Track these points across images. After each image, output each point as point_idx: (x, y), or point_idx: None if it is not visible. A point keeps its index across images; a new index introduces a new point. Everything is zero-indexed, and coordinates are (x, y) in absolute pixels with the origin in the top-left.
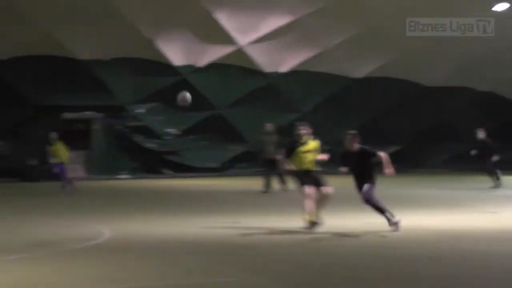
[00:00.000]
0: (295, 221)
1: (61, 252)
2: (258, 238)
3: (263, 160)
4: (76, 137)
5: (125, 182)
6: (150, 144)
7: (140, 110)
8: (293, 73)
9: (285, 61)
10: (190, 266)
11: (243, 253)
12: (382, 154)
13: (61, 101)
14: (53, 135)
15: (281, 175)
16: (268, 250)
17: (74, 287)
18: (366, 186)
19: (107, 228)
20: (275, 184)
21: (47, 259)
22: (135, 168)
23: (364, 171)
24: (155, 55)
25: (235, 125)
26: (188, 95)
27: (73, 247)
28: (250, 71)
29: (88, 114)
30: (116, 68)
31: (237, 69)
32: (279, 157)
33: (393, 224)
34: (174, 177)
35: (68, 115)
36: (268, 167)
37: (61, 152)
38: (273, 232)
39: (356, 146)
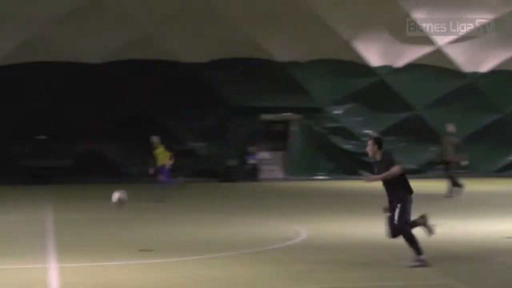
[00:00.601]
0: (498, 225)
1: (258, 252)
2: (462, 241)
3: (440, 162)
4: (274, 138)
5: (322, 182)
6: (348, 145)
7: (338, 111)
8: (494, 73)
9: (485, 61)
10: (390, 268)
11: (445, 257)
12: (395, 169)
13: (260, 103)
14: (154, 138)
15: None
16: (473, 255)
17: (270, 286)
18: (397, 213)
19: (305, 228)
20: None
21: (245, 258)
22: (332, 169)
23: (389, 184)
24: (352, 56)
25: (433, 126)
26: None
27: (270, 246)
28: (449, 72)
29: (286, 115)
30: (313, 69)
31: (435, 69)
32: (464, 163)
33: (419, 260)
34: None
35: (266, 117)
36: (447, 169)
37: (162, 156)
38: (478, 236)
39: (379, 154)
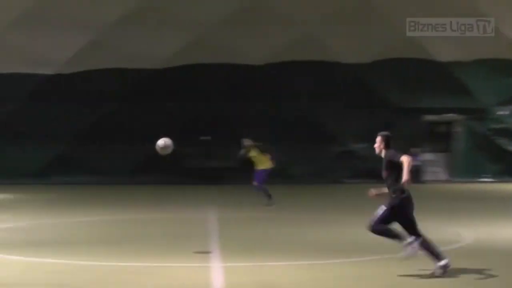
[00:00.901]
0: None
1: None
2: None
3: None
4: (438, 139)
5: (488, 185)
6: None
7: (503, 112)
8: None
9: None
10: None
11: None
12: (405, 159)
13: (422, 103)
14: (246, 141)
15: None
16: None
17: None
18: (380, 211)
19: (469, 232)
20: None
21: (414, 260)
22: (497, 171)
23: (388, 184)
24: None
25: None
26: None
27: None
28: None
29: (449, 116)
30: (477, 69)
31: None
32: None
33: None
34: None
35: (429, 118)
36: None
37: (257, 160)
38: None
39: (383, 151)
